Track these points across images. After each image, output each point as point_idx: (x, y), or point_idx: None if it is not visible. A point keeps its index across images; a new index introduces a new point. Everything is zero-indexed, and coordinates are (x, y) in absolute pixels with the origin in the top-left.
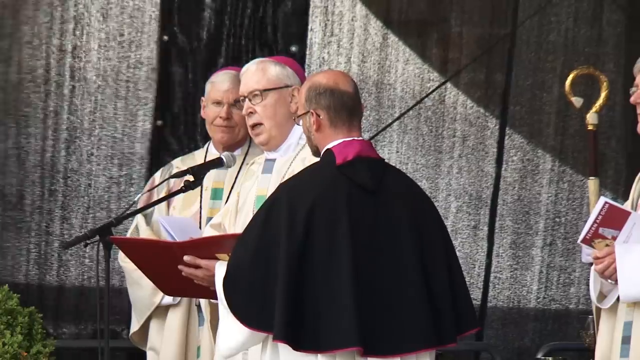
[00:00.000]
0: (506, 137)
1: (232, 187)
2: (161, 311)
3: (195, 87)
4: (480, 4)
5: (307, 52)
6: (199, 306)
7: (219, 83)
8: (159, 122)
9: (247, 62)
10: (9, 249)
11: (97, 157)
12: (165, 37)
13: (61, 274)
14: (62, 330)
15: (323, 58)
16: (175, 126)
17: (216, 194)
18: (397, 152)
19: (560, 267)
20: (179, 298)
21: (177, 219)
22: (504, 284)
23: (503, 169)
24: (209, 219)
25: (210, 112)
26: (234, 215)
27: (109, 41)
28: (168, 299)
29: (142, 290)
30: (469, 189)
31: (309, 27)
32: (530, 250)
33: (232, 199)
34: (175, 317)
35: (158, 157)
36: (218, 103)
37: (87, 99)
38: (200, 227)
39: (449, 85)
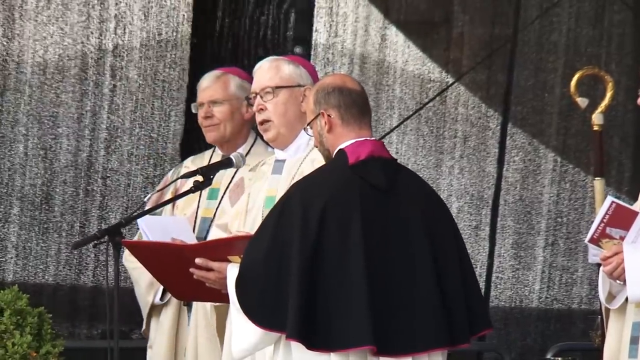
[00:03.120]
0: (508, 138)
1: (227, 188)
2: (158, 309)
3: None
4: (483, 5)
5: (312, 53)
6: (188, 306)
7: (200, 85)
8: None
9: (248, 63)
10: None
11: (136, 157)
12: (195, 40)
13: (97, 274)
14: (97, 331)
15: (327, 59)
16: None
17: (212, 194)
18: (397, 152)
19: (563, 267)
20: (168, 297)
21: (160, 219)
22: (505, 284)
23: (504, 169)
24: (203, 219)
25: (198, 114)
26: (244, 216)
27: (149, 40)
28: (157, 299)
29: (139, 289)
30: (470, 189)
31: (314, 28)
32: (532, 250)
33: (242, 200)
34: (166, 316)
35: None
36: (201, 104)
37: (129, 98)
38: (194, 227)
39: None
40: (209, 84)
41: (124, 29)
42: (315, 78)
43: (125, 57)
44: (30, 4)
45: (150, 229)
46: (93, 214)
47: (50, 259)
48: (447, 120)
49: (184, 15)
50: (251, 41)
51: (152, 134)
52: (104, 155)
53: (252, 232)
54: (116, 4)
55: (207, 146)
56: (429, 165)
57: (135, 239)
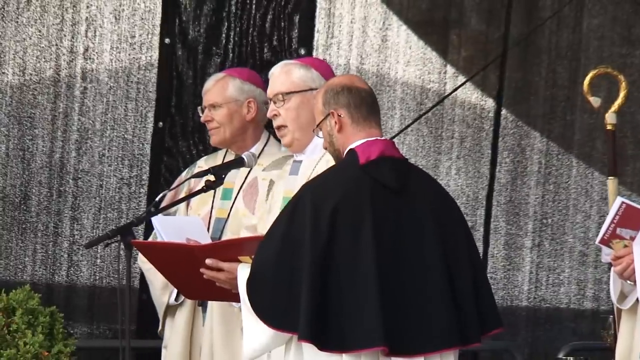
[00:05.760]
0: (500, 139)
1: (240, 188)
2: (173, 310)
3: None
4: (479, 8)
5: (314, 54)
6: (202, 306)
7: (204, 88)
8: (160, 124)
9: (254, 65)
10: (11, 249)
11: (108, 158)
12: (167, 40)
13: (71, 274)
14: (73, 331)
15: (326, 60)
16: (176, 128)
17: (226, 194)
18: None
19: (549, 267)
20: (182, 298)
21: (174, 219)
22: (498, 284)
23: (497, 170)
24: (217, 219)
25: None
26: (265, 215)
27: (120, 43)
28: (172, 299)
29: (154, 290)
30: (466, 190)
31: (316, 29)
32: (520, 251)
33: (269, 201)
34: (181, 317)
35: (160, 159)
36: (204, 108)
37: (99, 100)
38: (209, 227)
39: (447, 87)
40: (209, 88)
41: (95, 32)
42: (329, 78)
43: (96, 59)
44: (12, 6)
45: (164, 229)
46: (66, 214)
47: (27, 259)
48: (444, 121)
49: (161, 17)
50: (260, 42)
51: (126, 136)
52: (75, 157)
53: None
54: (87, 7)
55: (181, 147)
56: (428, 165)
57: (151, 239)
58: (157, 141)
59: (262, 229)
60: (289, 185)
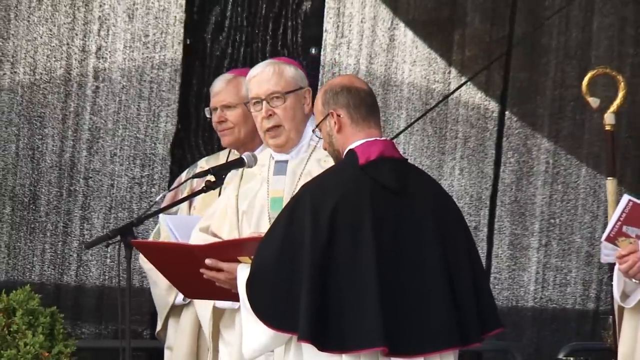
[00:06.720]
0: (504, 139)
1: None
2: (178, 310)
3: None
4: (483, 7)
5: (322, 53)
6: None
7: (212, 89)
8: (179, 125)
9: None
10: (19, 249)
11: (119, 158)
12: (188, 40)
13: (80, 274)
14: (81, 331)
15: (334, 59)
16: (194, 128)
17: None
18: (404, 153)
19: (557, 267)
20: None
21: (183, 217)
22: (502, 284)
23: (501, 170)
24: None
25: (212, 119)
26: (235, 218)
27: (134, 42)
28: (180, 299)
29: (158, 290)
30: (470, 190)
31: (324, 29)
32: (526, 251)
33: (229, 202)
34: (187, 317)
35: (179, 158)
36: (214, 109)
37: (112, 99)
38: None
39: (452, 87)
40: (220, 89)
41: (107, 31)
42: (307, 78)
43: (108, 58)
44: (24, 5)
45: (177, 228)
46: (75, 214)
47: (35, 259)
48: (449, 121)
49: (175, 16)
50: (270, 41)
51: (138, 135)
52: (86, 156)
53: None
54: (100, 5)
55: (198, 146)
56: (433, 165)
57: (151, 238)
58: (176, 141)
59: (223, 232)
60: (277, 186)
